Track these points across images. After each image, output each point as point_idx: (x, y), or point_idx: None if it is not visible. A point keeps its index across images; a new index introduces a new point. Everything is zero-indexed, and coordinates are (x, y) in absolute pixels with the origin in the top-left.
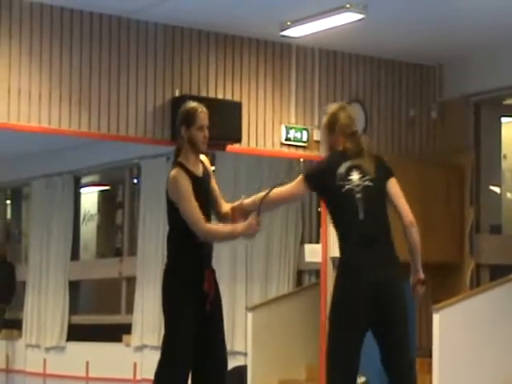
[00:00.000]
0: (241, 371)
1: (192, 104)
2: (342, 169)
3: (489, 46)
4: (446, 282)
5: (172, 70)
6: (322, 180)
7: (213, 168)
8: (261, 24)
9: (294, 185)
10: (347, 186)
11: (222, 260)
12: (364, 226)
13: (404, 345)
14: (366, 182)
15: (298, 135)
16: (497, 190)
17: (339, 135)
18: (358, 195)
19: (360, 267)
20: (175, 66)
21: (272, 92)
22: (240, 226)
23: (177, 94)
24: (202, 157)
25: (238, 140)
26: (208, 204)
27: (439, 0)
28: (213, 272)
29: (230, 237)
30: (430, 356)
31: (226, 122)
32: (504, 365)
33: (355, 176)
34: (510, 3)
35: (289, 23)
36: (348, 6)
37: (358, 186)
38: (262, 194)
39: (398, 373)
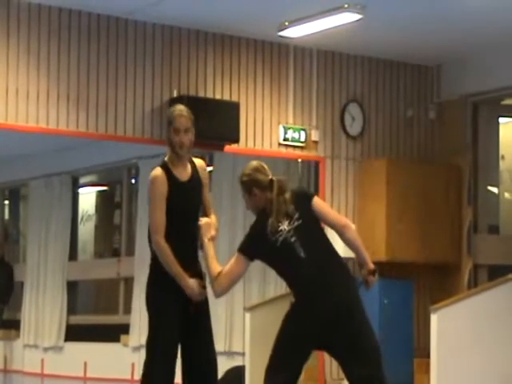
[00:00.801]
0: (239, 371)
1: (176, 107)
2: (269, 226)
3: (487, 46)
4: (443, 282)
5: (170, 71)
6: (256, 247)
7: (210, 168)
8: (259, 24)
9: (234, 264)
10: (280, 238)
11: (220, 260)
12: (308, 262)
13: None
14: (295, 223)
15: (296, 135)
16: (495, 190)
17: (258, 193)
18: (293, 239)
19: (311, 303)
20: (173, 66)
21: (270, 92)
22: (188, 281)
23: (175, 94)
24: (198, 162)
25: (236, 140)
26: (192, 210)
27: (437, 1)
28: (198, 274)
29: (173, 277)
30: (428, 356)
31: (224, 122)
32: (502, 365)
33: (284, 225)
34: (508, 4)
35: (287, 23)
36: (346, 6)
37: (289, 231)
38: (213, 269)
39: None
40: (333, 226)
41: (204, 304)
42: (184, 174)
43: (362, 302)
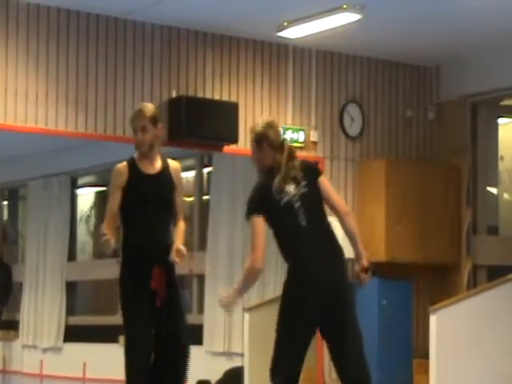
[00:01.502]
0: (238, 372)
1: (139, 105)
2: (276, 184)
3: (486, 47)
4: (443, 283)
5: (169, 71)
6: (261, 203)
7: (210, 169)
8: (258, 25)
9: (255, 228)
10: (285, 199)
11: (218, 260)
12: (309, 232)
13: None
14: (302, 190)
15: (295, 136)
16: (494, 190)
17: (267, 150)
18: (297, 204)
19: (308, 271)
20: (172, 66)
21: (269, 93)
22: (106, 233)
23: (174, 94)
24: (173, 164)
25: (235, 141)
26: (157, 201)
27: (436, 1)
28: (166, 268)
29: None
30: (427, 357)
31: (223, 122)
32: (501, 365)
33: (290, 186)
34: (507, 4)
35: (286, 24)
36: (345, 6)
37: (294, 195)
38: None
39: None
40: (335, 208)
41: (174, 298)
42: (151, 168)
43: (353, 293)
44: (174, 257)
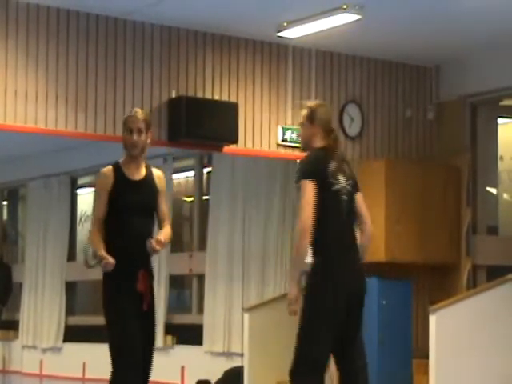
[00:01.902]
0: (238, 372)
1: (133, 109)
2: (332, 167)
3: (486, 47)
4: (442, 283)
5: (168, 71)
6: (318, 172)
7: (209, 169)
8: (257, 25)
9: (308, 194)
10: (336, 186)
11: (218, 260)
12: (346, 228)
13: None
14: (348, 187)
15: (295, 136)
16: (493, 191)
17: (319, 128)
18: (344, 197)
19: (341, 269)
20: (172, 66)
21: (268, 93)
22: (103, 252)
23: (173, 94)
24: (156, 171)
25: (235, 141)
26: (141, 207)
27: (436, 1)
28: (149, 272)
29: (95, 255)
30: (427, 357)
31: (223, 123)
32: (501, 365)
33: (342, 178)
34: (506, 5)
35: (285, 24)
36: (345, 7)
37: (344, 188)
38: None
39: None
40: (362, 216)
41: (152, 302)
42: (136, 174)
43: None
44: (153, 244)
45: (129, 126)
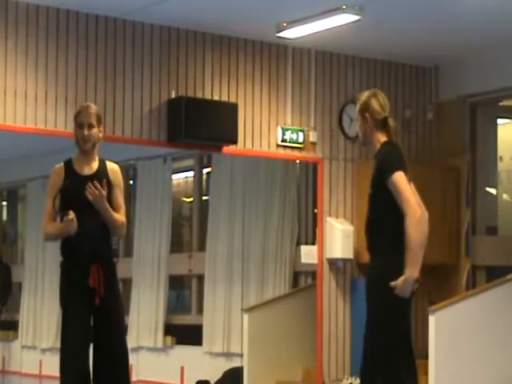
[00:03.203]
0: (237, 373)
1: (84, 103)
2: (405, 163)
3: (485, 47)
4: (442, 284)
5: (168, 72)
6: (404, 165)
7: (209, 169)
8: (257, 25)
9: (406, 185)
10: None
11: (218, 261)
12: None
13: None
14: None
15: (294, 136)
16: (493, 191)
17: (370, 123)
18: None
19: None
20: (171, 67)
21: (268, 93)
22: (63, 224)
23: (173, 95)
24: (111, 165)
25: (235, 141)
26: (91, 204)
27: (435, 2)
28: (104, 266)
29: (61, 235)
30: (426, 357)
31: (222, 123)
32: (500, 366)
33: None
34: (506, 5)
35: (285, 24)
36: (344, 7)
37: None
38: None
39: None
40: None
41: (113, 296)
42: (87, 169)
43: None
44: (93, 188)
45: (80, 121)
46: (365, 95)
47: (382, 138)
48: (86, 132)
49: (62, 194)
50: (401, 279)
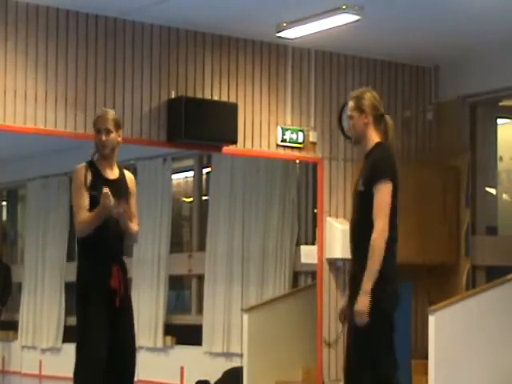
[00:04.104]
0: (237, 373)
1: (102, 109)
2: (397, 171)
3: (485, 47)
4: (442, 284)
5: (168, 72)
6: (395, 173)
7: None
8: (257, 25)
9: (388, 199)
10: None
11: (218, 261)
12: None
13: None
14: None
15: (294, 136)
16: (493, 191)
17: (367, 119)
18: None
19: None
20: (171, 67)
21: (268, 93)
22: (101, 206)
23: (173, 95)
24: (128, 174)
25: (234, 141)
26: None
27: (435, 2)
28: (122, 268)
29: (98, 216)
30: (426, 357)
31: (222, 123)
32: (500, 366)
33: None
34: (506, 5)
35: (285, 24)
36: (344, 7)
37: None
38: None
39: None
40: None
41: (127, 298)
42: (110, 173)
43: None
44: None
45: (98, 127)
46: (360, 91)
47: (376, 137)
48: (103, 137)
49: (89, 194)
50: (362, 297)
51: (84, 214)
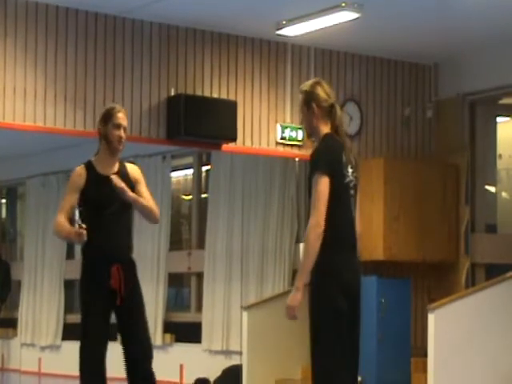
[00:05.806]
0: (236, 370)
1: (113, 104)
2: (344, 157)
3: (484, 45)
4: (441, 281)
5: (167, 69)
6: (333, 165)
7: (208, 167)
8: (256, 23)
9: (322, 188)
10: (347, 179)
11: (217, 258)
12: (353, 225)
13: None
14: (354, 180)
15: (294, 134)
16: (492, 189)
17: (318, 110)
18: (351, 191)
19: (346, 270)
20: (170, 64)
21: (267, 91)
22: (70, 230)
23: (172, 92)
24: (129, 165)
25: (234, 139)
26: (115, 203)
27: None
28: (124, 265)
29: (67, 237)
30: (426, 355)
31: (222, 121)
32: (500, 363)
33: (350, 169)
34: (505, 3)
35: (284, 22)
36: (344, 4)
37: (351, 181)
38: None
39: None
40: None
41: (135, 296)
42: (108, 169)
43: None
44: (117, 179)
45: (118, 122)
46: (308, 84)
47: (325, 128)
48: (122, 134)
49: (86, 195)
50: (293, 293)
51: (61, 218)
